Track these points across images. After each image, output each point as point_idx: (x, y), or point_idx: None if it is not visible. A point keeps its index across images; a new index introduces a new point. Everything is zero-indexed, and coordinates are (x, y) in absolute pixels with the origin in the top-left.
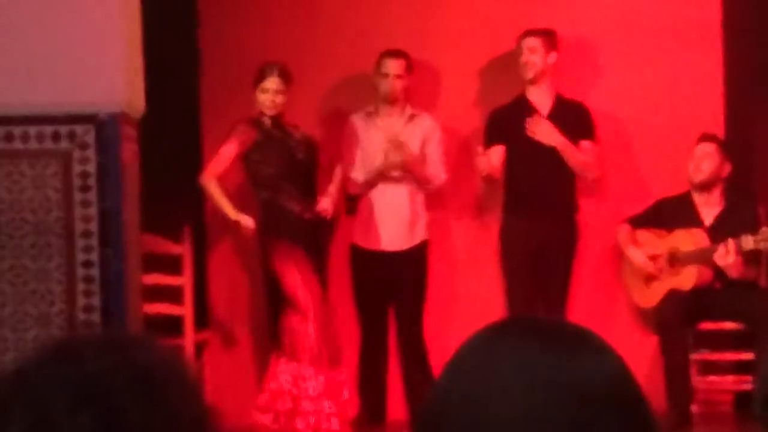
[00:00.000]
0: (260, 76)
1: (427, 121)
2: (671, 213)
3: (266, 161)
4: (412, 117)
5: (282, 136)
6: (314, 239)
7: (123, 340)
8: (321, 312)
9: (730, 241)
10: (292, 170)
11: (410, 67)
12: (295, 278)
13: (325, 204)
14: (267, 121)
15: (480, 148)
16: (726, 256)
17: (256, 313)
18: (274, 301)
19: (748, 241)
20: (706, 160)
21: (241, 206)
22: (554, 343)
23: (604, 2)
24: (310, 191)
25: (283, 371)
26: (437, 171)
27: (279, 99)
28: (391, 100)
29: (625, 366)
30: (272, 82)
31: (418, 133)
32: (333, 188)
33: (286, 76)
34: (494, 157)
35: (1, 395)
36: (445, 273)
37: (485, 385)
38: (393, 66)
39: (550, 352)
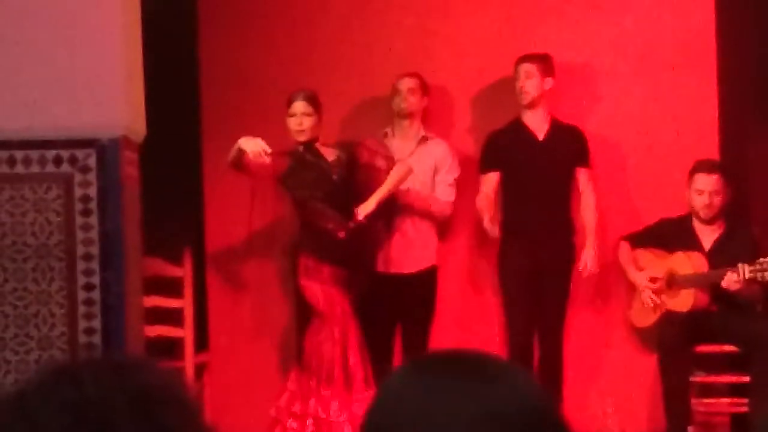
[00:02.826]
0: (288, 104)
1: (440, 148)
2: (671, 234)
3: (300, 186)
4: (424, 139)
5: (315, 160)
6: (351, 258)
7: (122, 363)
8: (342, 330)
9: (743, 267)
10: (328, 192)
11: (424, 88)
12: (317, 293)
13: (362, 209)
14: (300, 149)
15: (486, 217)
16: (735, 282)
17: (256, 334)
18: (300, 318)
19: (745, 271)
20: (716, 196)
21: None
22: (472, 374)
23: (601, 27)
24: (348, 210)
25: (297, 388)
26: (444, 200)
27: (307, 122)
28: (403, 115)
29: (544, 391)
30: (298, 106)
31: (431, 158)
32: (373, 198)
33: (312, 100)
34: (488, 186)
35: (2, 418)
36: (438, 295)
37: (409, 420)
38: (405, 82)
39: (469, 383)
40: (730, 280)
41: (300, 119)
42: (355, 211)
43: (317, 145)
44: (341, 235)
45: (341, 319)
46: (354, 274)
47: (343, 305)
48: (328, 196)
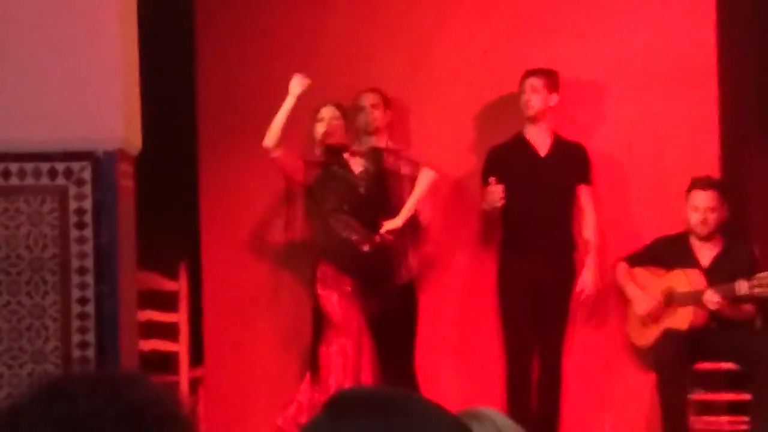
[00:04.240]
0: (314, 112)
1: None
2: (668, 252)
3: (328, 198)
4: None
5: (343, 172)
6: (372, 272)
7: (116, 378)
8: (356, 344)
9: (714, 292)
10: (354, 205)
11: (386, 103)
12: (334, 303)
13: (389, 225)
14: (329, 160)
15: (492, 180)
16: (712, 303)
17: (251, 349)
18: (316, 327)
19: (743, 287)
20: (711, 213)
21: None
22: (388, 415)
23: (600, 45)
24: (373, 223)
25: (309, 395)
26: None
27: (335, 123)
28: (371, 131)
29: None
30: (326, 111)
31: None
32: (401, 215)
33: (340, 107)
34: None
35: None
36: (438, 311)
37: None
38: (368, 98)
39: (384, 424)
40: (708, 300)
41: (328, 121)
42: (382, 224)
43: (346, 155)
44: (365, 248)
45: (356, 333)
46: (375, 288)
47: (359, 319)
48: (354, 209)
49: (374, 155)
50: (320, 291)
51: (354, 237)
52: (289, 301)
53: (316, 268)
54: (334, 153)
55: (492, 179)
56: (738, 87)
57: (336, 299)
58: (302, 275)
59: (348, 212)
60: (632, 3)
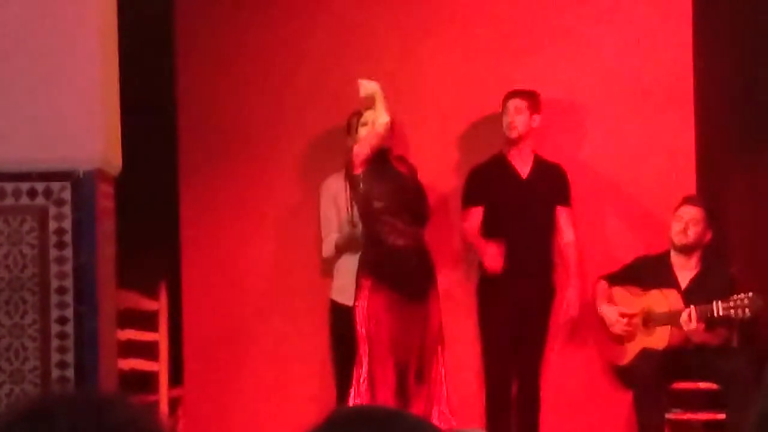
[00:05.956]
0: (355, 117)
1: None
2: (648, 272)
3: (377, 195)
4: None
5: (392, 171)
6: (415, 276)
7: (95, 399)
8: (372, 356)
9: (693, 309)
10: (403, 204)
11: None
12: (362, 314)
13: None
14: (374, 163)
15: (482, 244)
16: (688, 322)
17: (231, 368)
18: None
19: (719, 308)
20: (693, 226)
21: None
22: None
23: (579, 66)
24: (417, 224)
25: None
26: None
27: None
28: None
29: None
30: (371, 115)
31: None
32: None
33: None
34: (472, 221)
35: None
36: None
37: None
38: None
39: None
40: (684, 321)
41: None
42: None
43: (390, 157)
44: (412, 245)
45: (376, 350)
46: (419, 293)
47: (381, 334)
48: (402, 209)
49: (404, 159)
50: (358, 303)
51: (400, 242)
52: (269, 321)
53: (358, 282)
54: (379, 156)
55: (492, 243)
56: (715, 108)
57: (366, 307)
58: (283, 294)
59: (394, 214)
60: (610, 24)
